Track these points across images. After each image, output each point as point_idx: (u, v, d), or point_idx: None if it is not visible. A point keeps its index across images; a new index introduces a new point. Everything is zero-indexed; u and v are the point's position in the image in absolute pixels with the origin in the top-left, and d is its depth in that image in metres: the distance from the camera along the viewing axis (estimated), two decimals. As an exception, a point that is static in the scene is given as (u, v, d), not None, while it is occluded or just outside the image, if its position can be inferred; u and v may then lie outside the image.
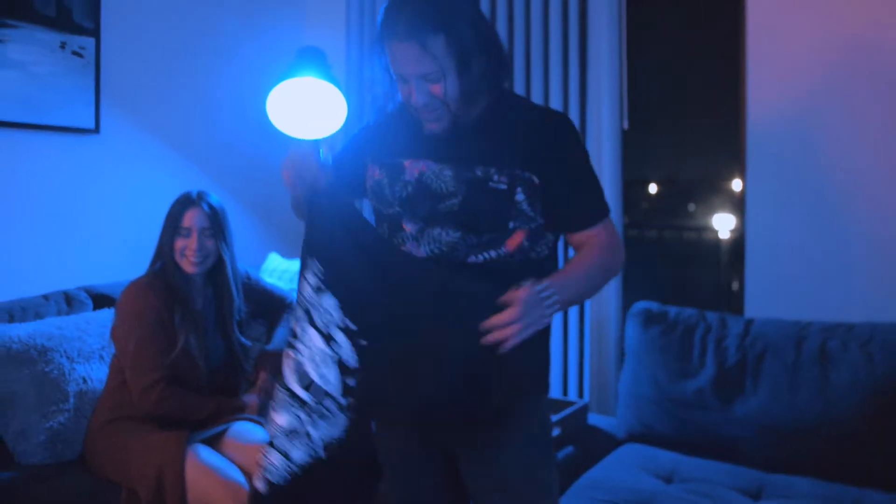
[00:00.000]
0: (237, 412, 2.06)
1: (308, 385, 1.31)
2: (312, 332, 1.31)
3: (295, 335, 1.33)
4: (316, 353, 1.30)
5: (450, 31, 1.28)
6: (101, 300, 2.41)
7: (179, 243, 2.05)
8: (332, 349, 1.30)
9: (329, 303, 1.31)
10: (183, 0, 2.82)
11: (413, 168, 1.38)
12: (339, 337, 1.30)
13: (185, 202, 2.08)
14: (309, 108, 2.84)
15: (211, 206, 2.09)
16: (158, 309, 2.00)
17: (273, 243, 3.09)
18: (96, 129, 2.56)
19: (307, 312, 1.32)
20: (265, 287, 2.35)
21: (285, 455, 1.32)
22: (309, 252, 1.35)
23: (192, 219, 2.05)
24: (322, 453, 1.31)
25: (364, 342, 1.29)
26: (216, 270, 2.13)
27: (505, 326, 1.18)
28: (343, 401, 1.30)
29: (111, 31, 2.59)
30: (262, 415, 2.13)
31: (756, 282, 2.24)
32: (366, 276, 1.31)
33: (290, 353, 1.33)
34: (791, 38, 2.20)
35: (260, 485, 1.32)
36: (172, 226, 2.06)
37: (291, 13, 3.22)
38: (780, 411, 1.75)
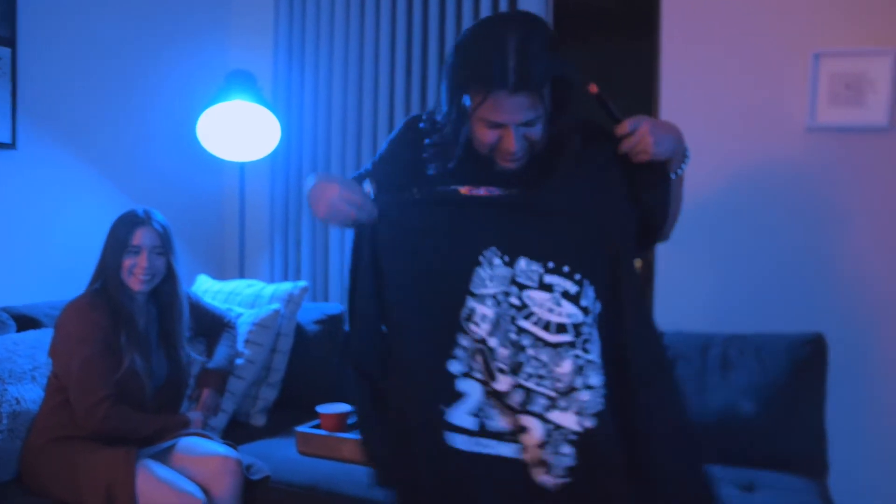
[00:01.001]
0: (182, 428, 2.09)
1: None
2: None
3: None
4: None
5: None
6: (24, 321, 2.35)
7: (128, 262, 2.06)
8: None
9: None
10: (108, 11, 2.76)
11: None
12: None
13: (133, 221, 2.10)
14: (240, 131, 2.94)
15: (161, 225, 2.13)
16: (104, 328, 2.01)
17: (201, 265, 3.11)
18: (13, 145, 2.45)
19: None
20: (204, 306, 2.40)
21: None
22: None
23: (142, 237, 2.07)
24: None
25: None
26: (161, 288, 2.16)
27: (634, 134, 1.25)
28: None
29: (29, 41, 2.47)
30: (206, 429, 2.18)
31: (664, 299, 2.50)
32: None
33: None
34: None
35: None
36: (120, 244, 2.07)
37: (216, 35, 3.23)
38: (691, 410, 2.01)
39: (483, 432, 1.29)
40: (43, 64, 2.55)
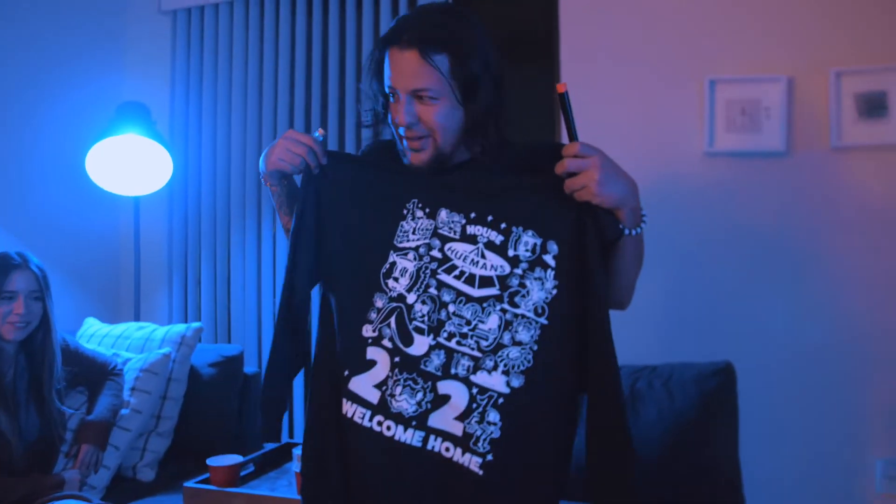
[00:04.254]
0: (56, 489, 1.91)
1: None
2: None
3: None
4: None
5: (458, 53, 1.18)
6: None
7: (1, 309, 1.92)
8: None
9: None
10: None
11: None
12: None
13: (7, 264, 1.96)
14: (131, 166, 2.78)
15: (38, 267, 2.01)
16: None
17: (89, 308, 2.91)
18: None
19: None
20: (84, 353, 2.22)
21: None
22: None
23: (18, 282, 1.94)
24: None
25: None
26: (34, 337, 2.02)
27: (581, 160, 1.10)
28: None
29: None
30: (84, 489, 2.00)
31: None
32: None
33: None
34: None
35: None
36: None
37: (111, 66, 3.10)
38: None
39: (384, 409, 1.18)
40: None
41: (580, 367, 1.18)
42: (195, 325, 2.51)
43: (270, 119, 2.93)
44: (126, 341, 2.52)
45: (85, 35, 2.98)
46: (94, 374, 2.22)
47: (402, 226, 1.23)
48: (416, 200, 1.24)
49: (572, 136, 1.15)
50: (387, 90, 1.24)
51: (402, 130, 1.23)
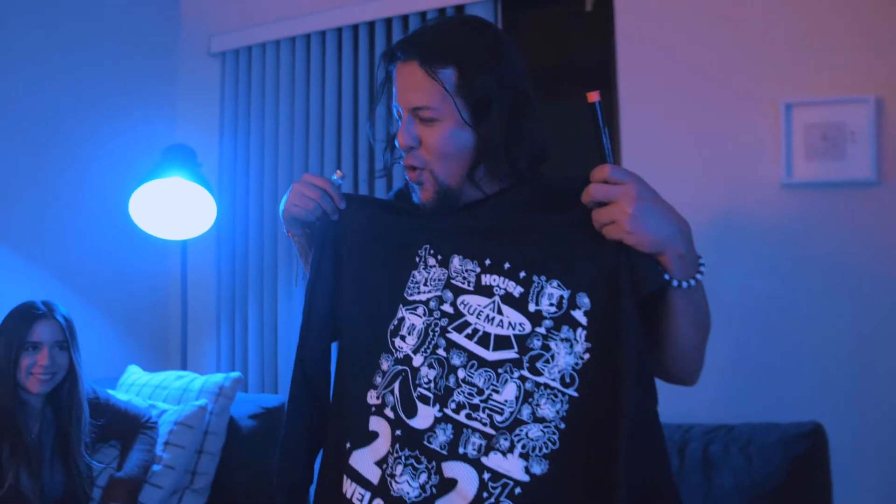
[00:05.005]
0: (79, 553, 1.80)
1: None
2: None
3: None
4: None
5: (466, 66, 1.01)
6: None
7: (25, 361, 1.85)
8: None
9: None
10: (35, 90, 2.60)
11: None
12: None
13: (31, 314, 1.89)
14: (175, 209, 2.73)
15: (64, 317, 1.94)
16: None
17: (132, 355, 2.84)
18: None
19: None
20: (116, 405, 2.13)
21: None
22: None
23: (42, 332, 1.88)
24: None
25: None
26: (60, 388, 1.94)
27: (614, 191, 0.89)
28: None
29: None
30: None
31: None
32: None
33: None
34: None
35: None
36: (16, 341, 1.85)
37: (159, 107, 3.09)
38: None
39: (384, 491, 0.98)
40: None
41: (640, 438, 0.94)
42: (234, 374, 2.39)
43: (317, 159, 2.84)
44: (164, 391, 2.42)
45: (137, 78, 2.98)
46: (126, 427, 2.12)
47: (413, 276, 1.06)
48: (427, 246, 1.06)
49: (603, 158, 0.94)
50: (394, 112, 1.09)
51: (402, 149, 1.08)
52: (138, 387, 2.48)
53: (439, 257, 1.04)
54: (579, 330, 0.95)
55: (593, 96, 0.93)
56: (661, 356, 1.01)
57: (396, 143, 1.09)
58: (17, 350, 1.85)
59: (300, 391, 1.13)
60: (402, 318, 1.04)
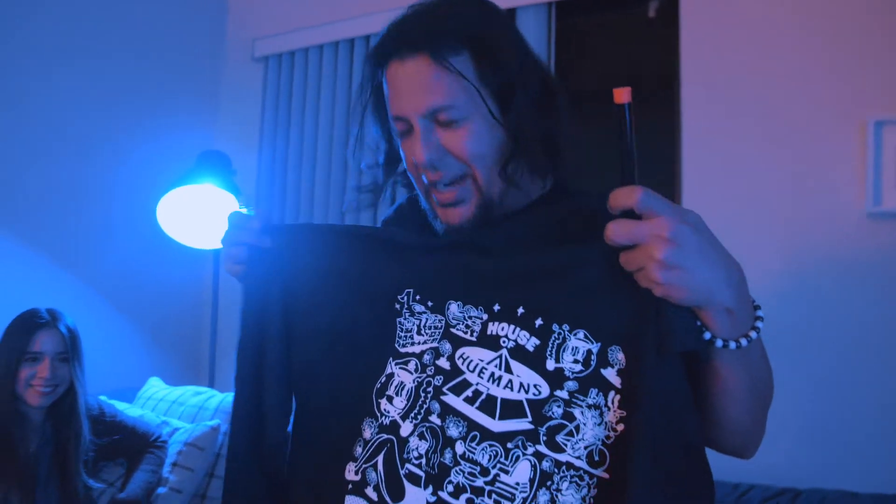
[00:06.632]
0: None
1: None
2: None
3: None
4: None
5: (482, 47, 0.83)
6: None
7: (25, 372, 1.76)
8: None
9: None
10: (70, 94, 2.54)
11: None
12: None
13: (33, 323, 1.80)
14: (204, 217, 2.62)
15: (68, 329, 1.84)
16: None
17: (157, 367, 2.73)
18: None
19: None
20: (123, 421, 2.01)
21: None
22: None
23: (44, 343, 1.78)
24: None
25: None
26: (61, 402, 1.83)
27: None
28: None
29: None
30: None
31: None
32: None
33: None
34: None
35: None
36: (15, 351, 1.76)
37: (202, 114, 3.01)
38: None
39: None
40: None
41: None
42: (252, 394, 2.25)
43: (355, 167, 2.71)
44: (180, 408, 2.29)
45: (181, 82, 2.92)
46: (133, 445, 2.00)
47: (400, 323, 0.84)
48: (410, 291, 0.84)
49: (631, 175, 0.71)
50: (391, 124, 0.89)
51: (424, 178, 0.87)
52: (155, 401, 2.36)
53: (430, 303, 0.83)
54: (612, 394, 0.75)
55: (622, 95, 0.69)
56: (708, 429, 0.80)
57: (404, 163, 0.89)
58: (17, 360, 1.76)
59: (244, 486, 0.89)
60: (391, 375, 0.83)
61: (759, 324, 0.74)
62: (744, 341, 0.72)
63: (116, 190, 2.68)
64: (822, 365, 1.83)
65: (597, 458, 0.74)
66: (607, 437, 0.74)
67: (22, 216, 2.41)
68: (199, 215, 2.61)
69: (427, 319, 0.83)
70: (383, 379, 0.83)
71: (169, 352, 2.85)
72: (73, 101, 2.55)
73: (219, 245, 2.37)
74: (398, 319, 0.84)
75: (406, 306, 0.84)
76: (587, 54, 2.47)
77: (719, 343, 0.72)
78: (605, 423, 0.74)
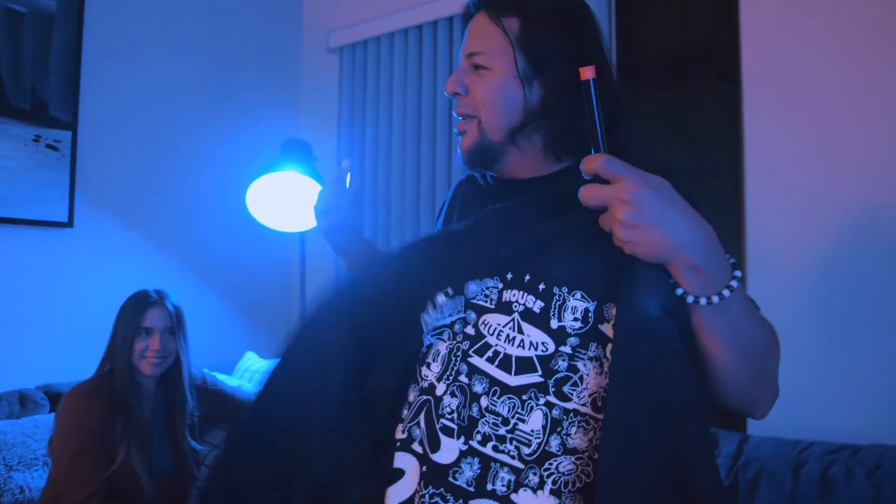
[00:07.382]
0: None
1: None
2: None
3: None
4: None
5: (531, 18, 0.96)
6: (59, 400, 2.28)
7: (139, 345, 1.96)
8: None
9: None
10: (166, 92, 2.78)
11: None
12: None
13: (144, 301, 2.01)
14: (289, 202, 2.80)
15: (174, 306, 2.04)
16: (99, 418, 1.86)
17: (251, 341, 2.96)
18: (69, 223, 2.48)
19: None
20: (223, 390, 2.22)
21: None
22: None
23: (154, 318, 1.98)
24: None
25: None
26: (170, 373, 2.04)
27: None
28: None
29: (89, 125, 2.54)
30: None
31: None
32: None
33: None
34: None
35: None
36: (131, 326, 1.96)
37: (285, 105, 3.20)
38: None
39: None
40: (102, 146, 2.59)
41: (671, 483, 0.79)
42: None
43: (429, 151, 2.83)
44: (274, 378, 2.50)
45: (263, 75, 3.11)
46: (233, 411, 2.21)
47: (434, 300, 0.95)
48: (447, 291, 0.94)
49: (596, 146, 0.80)
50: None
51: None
52: (251, 373, 2.58)
53: (450, 291, 0.93)
54: (609, 346, 0.84)
55: (587, 73, 0.79)
56: (709, 386, 0.87)
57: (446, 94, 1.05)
58: (132, 334, 1.96)
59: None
60: (430, 345, 0.95)
61: (733, 283, 0.79)
62: (715, 298, 0.78)
63: (210, 178, 2.91)
64: (883, 326, 1.84)
65: (600, 405, 0.84)
66: (608, 385, 0.82)
67: (133, 208, 2.67)
68: (284, 201, 2.80)
69: (450, 303, 0.93)
70: (424, 349, 0.95)
71: (263, 328, 3.07)
72: (173, 100, 2.78)
73: (306, 226, 2.55)
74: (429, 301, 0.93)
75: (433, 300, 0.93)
76: (649, 32, 2.51)
77: (690, 299, 0.79)
78: (606, 372, 0.84)
